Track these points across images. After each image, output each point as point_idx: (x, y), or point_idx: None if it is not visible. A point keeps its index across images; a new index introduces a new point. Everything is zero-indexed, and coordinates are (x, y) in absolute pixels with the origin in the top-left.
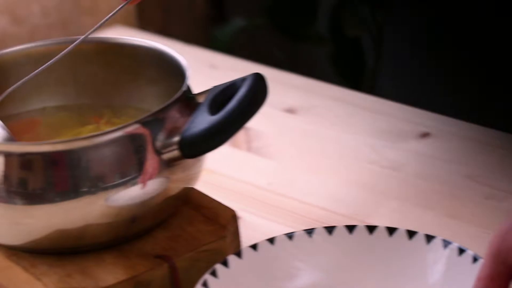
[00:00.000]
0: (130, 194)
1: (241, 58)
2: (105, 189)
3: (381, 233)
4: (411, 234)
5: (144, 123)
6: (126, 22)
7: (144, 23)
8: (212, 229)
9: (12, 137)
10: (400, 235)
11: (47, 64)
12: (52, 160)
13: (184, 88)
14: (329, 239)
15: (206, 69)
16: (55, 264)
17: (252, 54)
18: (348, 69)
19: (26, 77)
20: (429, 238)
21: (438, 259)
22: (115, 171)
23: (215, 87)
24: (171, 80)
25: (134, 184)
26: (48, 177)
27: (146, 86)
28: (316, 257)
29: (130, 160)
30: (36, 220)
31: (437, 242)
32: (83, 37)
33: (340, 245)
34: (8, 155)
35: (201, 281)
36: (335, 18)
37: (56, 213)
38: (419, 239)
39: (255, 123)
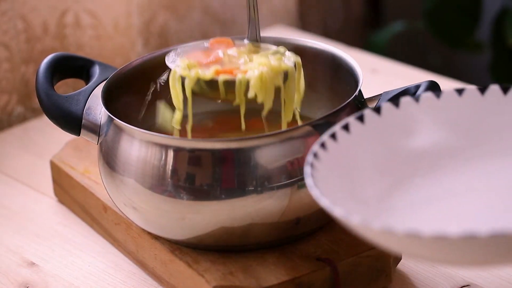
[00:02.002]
0: (296, 196)
1: (399, 62)
2: (272, 189)
3: None
4: None
5: (314, 125)
6: (287, 21)
7: (304, 24)
8: None
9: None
10: None
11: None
12: (222, 157)
13: (356, 93)
14: (459, 100)
15: (367, 73)
16: (217, 261)
17: (408, 58)
18: (506, 78)
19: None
20: None
21: None
22: (283, 172)
23: (385, 92)
24: (340, 83)
25: (300, 186)
26: (216, 174)
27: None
28: (441, 116)
29: (299, 162)
30: (201, 216)
31: None
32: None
33: (470, 107)
34: (178, 150)
35: (318, 143)
36: (497, 26)
37: (222, 210)
38: None
39: None
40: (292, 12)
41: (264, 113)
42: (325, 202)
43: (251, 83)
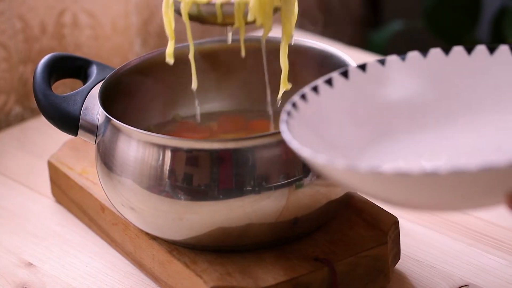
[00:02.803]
0: (294, 196)
1: None
2: (269, 189)
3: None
4: None
5: None
6: None
7: (303, 23)
8: (373, 234)
9: None
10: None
11: None
12: (219, 157)
13: None
14: (445, 59)
15: None
16: (215, 261)
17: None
18: None
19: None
20: None
21: None
22: (281, 172)
23: None
24: None
25: (298, 186)
26: (214, 174)
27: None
28: (426, 73)
29: (296, 162)
30: (199, 216)
31: None
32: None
33: (456, 66)
34: (175, 150)
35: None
36: (497, 25)
37: (219, 211)
38: None
39: None
40: None
41: (264, 36)
42: (295, 144)
43: (250, 5)
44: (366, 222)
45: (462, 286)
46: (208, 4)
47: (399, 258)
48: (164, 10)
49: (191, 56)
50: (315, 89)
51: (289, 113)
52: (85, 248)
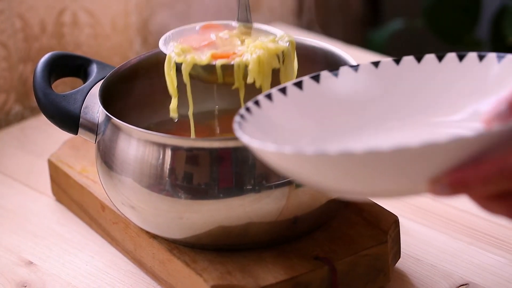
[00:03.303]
0: (294, 195)
1: None
2: (269, 188)
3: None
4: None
5: None
6: (285, 19)
7: (302, 22)
8: (373, 233)
9: None
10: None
11: None
12: (219, 156)
13: None
14: (396, 68)
15: None
16: (215, 260)
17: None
18: None
19: None
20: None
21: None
22: None
23: None
24: None
25: (299, 185)
26: (214, 173)
27: None
28: (377, 82)
29: None
30: (199, 215)
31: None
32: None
33: (407, 74)
34: (176, 149)
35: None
36: (497, 24)
37: (219, 209)
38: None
39: None
40: (291, 10)
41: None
42: (245, 138)
43: (249, 68)
44: (366, 221)
45: (462, 285)
46: (208, 65)
47: (399, 257)
48: (166, 71)
49: (190, 114)
50: (268, 96)
51: (242, 116)
52: (85, 246)
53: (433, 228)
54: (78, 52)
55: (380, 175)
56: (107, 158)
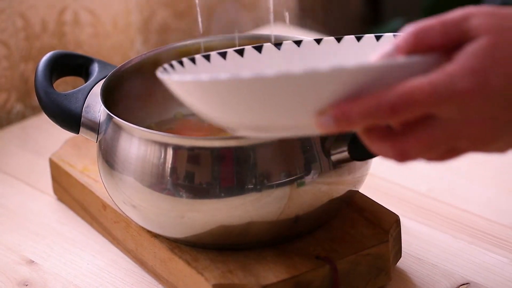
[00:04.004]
0: (295, 194)
1: None
2: (271, 187)
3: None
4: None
5: None
6: (286, 19)
7: (303, 21)
8: (374, 233)
9: None
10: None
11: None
12: (221, 155)
13: None
14: (317, 47)
15: None
16: (216, 259)
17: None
18: None
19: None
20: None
21: None
22: (282, 170)
23: None
24: None
25: (299, 184)
26: (215, 172)
27: None
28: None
29: (298, 160)
30: (200, 214)
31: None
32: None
33: (327, 54)
34: (177, 148)
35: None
36: None
37: (221, 209)
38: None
39: None
40: (291, 10)
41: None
42: (163, 77)
43: None
44: (367, 221)
45: (463, 284)
46: None
47: (400, 256)
48: None
49: None
50: (192, 59)
51: (164, 69)
52: (87, 246)
53: (434, 228)
54: (79, 51)
55: (268, 104)
56: (108, 157)
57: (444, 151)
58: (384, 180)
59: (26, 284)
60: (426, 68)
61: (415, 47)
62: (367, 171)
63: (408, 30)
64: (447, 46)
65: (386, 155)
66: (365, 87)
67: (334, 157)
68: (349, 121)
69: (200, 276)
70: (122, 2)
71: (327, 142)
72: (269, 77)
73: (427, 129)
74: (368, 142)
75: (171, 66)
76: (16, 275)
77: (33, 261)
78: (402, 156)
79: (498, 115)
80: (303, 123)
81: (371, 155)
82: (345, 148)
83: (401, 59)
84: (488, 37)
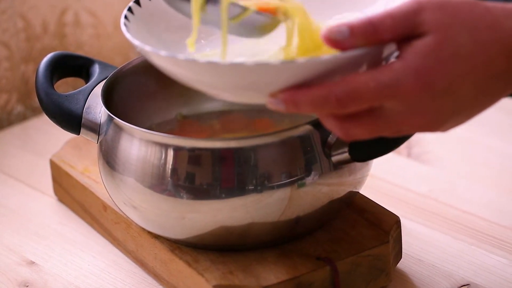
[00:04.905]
0: (296, 195)
1: None
2: (271, 188)
3: None
4: None
5: (315, 124)
6: None
7: None
8: (375, 234)
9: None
10: None
11: None
12: (221, 156)
13: None
14: None
15: None
16: (217, 260)
17: None
18: None
19: None
20: None
21: None
22: (283, 171)
23: None
24: None
25: (300, 185)
26: (216, 173)
27: None
28: None
29: (299, 161)
30: (201, 215)
31: None
32: None
33: None
34: (178, 149)
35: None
36: None
37: (221, 210)
38: None
39: None
40: None
41: None
42: (136, 42)
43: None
44: (368, 222)
45: (463, 285)
46: None
47: (401, 257)
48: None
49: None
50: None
51: (126, 17)
52: (87, 247)
53: (434, 229)
54: (80, 52)
55: (222, 86)
56: (109, 158)
57: (388, 133)
58: (384, 181)
59: (27, 285)
60: (375, 59)
61: (364, 41)
62: (367, 172)
63: (360, 21)
64: (396, 40)
65: (334, 131)
66: (315, 76)
67: (334, 158)
68: (297, 106)
69: (201, 277)
70: (123, 3)
71: (327, 144)
72: (224, 65)
73: (371, 117)
74: (320, 116)
75: (131, 11)
76: (17, 276)
77: (34, 262)
78: (348, 136)
79: (440, 109)
80: (259, 101)
81: (371, 156)
82: (346, 149)
83: (350, 53)
84: (435, 35)
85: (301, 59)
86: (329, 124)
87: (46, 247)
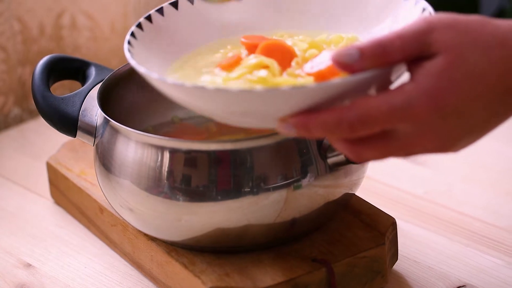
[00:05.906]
0: (292, 197)
1: None
2: (268, 190)
3: None
4: None
5: None
6: None
7: None
8: (371, 235)
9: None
10: None
11: None
12: (217, 158)
13: None
14: None
15: None
16: (213, 262)
17: None
18: None
19: None
20: None
21: None
22: (279, 173)
23: None
24: None
25: (296, 187)
26: (212, 175)
27: None
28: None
29: (295, 163)
30: (197, 217)
31: None
32: None
33: None
34: (174, 152)
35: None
36: None
37: (218, 212)
38: None
39: None
40: None
41: None
42: (133, 62)
43: None
44: (364, 223)
45: (459, 287)
46: None
47: (397, 259)
48: None
49: None
50: (160, 10)
51: (129, 42)
52: (84, 249)
53: (430, 230)
54: (77, 55)
55: (233, 112)
56: (105, 161)
57: (400, 155)
58: (380, 183)
59: (24, 287)
60: (384, 80)
61: (373, 63)
62: (363, 174)
63: (369, 43)
64: (407, 60)
65: (346, 154)
66: (325, 100)
67: (330, 160)
68: (309, 131)
69: (197, 279)
70: (120, 6)
71: (323, 146)
72: (233, 92)
73: (383, 140)
74: (330, 140)
75: (148, 19)
76: (14, 279)
77: (31, 265)
78: (360, 159)
79: (453, 130)
80: (267, 126)
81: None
82: None
83: (359, 76)
84: (447, 55)
85: (311, 84)
86: (340, 147)
87: (43, 249)
